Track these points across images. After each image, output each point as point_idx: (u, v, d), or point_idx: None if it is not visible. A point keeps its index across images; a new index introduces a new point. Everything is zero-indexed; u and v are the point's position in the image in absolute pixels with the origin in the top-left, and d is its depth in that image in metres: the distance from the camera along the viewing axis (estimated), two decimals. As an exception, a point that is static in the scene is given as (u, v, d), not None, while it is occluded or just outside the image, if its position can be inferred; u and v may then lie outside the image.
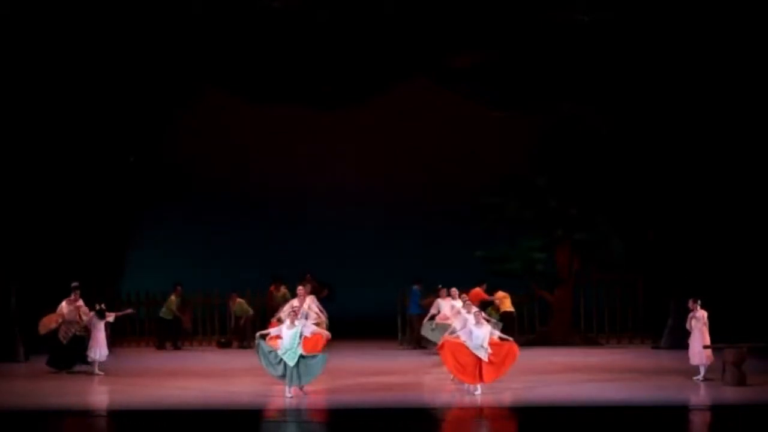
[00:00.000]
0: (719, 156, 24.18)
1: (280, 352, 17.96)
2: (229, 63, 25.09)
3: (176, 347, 26.41)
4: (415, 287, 25.98)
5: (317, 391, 18.75)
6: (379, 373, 21.36)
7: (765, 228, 24.17)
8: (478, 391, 18.21)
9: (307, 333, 18.62)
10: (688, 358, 20.16)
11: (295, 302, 21.15)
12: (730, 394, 18.41)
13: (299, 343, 18.02)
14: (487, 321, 19.41)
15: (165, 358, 24.77)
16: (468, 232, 27.12)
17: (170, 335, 26.56)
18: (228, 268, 28.63)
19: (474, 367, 18.20)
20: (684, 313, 20.62)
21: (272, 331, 18.86)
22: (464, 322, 19.00)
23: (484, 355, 18.16)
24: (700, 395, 18.66)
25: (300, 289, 22.00)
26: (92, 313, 21.51)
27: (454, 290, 22.38)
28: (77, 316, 21.45)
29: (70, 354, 21.43)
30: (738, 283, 23.95)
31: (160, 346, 26.36)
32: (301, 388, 18.19)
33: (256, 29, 24.10)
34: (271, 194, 30.15)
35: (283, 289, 25.89)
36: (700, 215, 24.50)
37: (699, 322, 19.91)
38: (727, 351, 19.19)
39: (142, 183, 26.26)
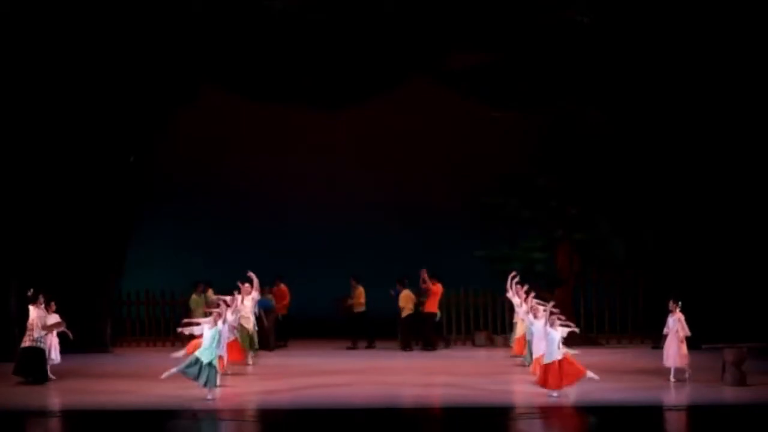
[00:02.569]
0: (719, 156, 24.17)
1: (197, 352, 18.08)
2: (229, 63, 25.10)
3: None
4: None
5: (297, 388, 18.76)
6: (379, 372, 21.41)
7: (764, 228, 24.16)
8: (555, 394, 17.96)
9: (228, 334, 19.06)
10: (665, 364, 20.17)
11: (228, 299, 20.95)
12: (730, 394, 18.41)
13: (218, 344, 18.16)
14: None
15: (165, 359, 24.70)
16: (468, 232, 27.12)
17: None
18: (228, 267, 28.57)
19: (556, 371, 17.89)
20: (684, 312, 20.64)
21: (195, 330, 18.76)
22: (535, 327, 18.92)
23: (559, 355, 17.90)
24: (700, 395, 18.65)
25: (246, 286, 21.90)
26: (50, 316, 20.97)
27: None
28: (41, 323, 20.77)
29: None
30: (738, 283, 23.93)
31: None
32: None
33: (256, 29, 24.10)
34: (271, 194, 30.12)
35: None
36: (699, 215, 24.49)
37: (677, 324, 19.92)
38: (727, 351, 19.19)
39: (142, 182, 26.24)
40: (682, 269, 24.42)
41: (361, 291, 26.32)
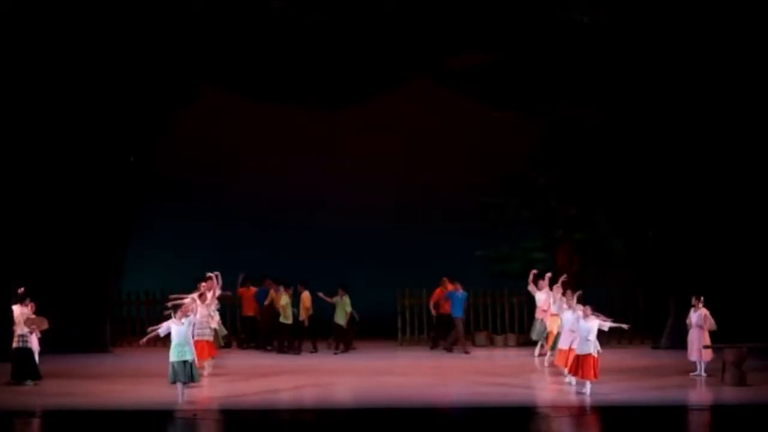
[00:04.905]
0: (719, 155, 24.17)
1: (173, 356, 17.84)
2: (229, 63, 25.11)
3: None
4: (461, 291, 24.96)
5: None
6: (381, 373, 21.42)
7: (765, 228, 24.16)
8: (586, 390, 18.12)
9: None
10: (687, 358, 20.25)
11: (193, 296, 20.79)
12: (730, 394, 18.43)
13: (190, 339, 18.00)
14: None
15: (165, 359, 24.67)
16: (468, 232, 27.11)
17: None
18: (229, 267, 28.58)
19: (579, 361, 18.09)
20: (684, 312, 20.67)
21: (160, 331, 18.36)
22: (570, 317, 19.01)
23: (592, 350, 18.05)
24: (700, 395, 18.69)
25: (202, 285, 21.74)
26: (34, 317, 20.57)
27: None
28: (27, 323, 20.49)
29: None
30: (738, 283, 23.93)
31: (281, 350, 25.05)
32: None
33: (256, 29, 24.11)
34: (272, 194, 30.13)
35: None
36: (699, 214, 24.49)
37: (699, 319, 20.04)
38: (727, 351, 19.23)
39: (142, 182, 26.24)
40: (682, 269, 24.42)
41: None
